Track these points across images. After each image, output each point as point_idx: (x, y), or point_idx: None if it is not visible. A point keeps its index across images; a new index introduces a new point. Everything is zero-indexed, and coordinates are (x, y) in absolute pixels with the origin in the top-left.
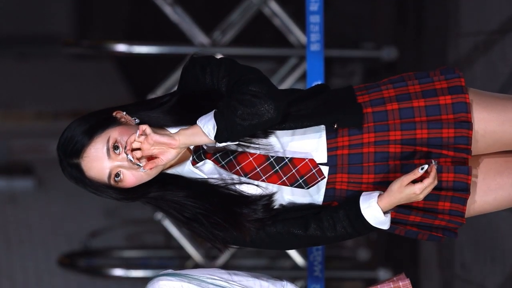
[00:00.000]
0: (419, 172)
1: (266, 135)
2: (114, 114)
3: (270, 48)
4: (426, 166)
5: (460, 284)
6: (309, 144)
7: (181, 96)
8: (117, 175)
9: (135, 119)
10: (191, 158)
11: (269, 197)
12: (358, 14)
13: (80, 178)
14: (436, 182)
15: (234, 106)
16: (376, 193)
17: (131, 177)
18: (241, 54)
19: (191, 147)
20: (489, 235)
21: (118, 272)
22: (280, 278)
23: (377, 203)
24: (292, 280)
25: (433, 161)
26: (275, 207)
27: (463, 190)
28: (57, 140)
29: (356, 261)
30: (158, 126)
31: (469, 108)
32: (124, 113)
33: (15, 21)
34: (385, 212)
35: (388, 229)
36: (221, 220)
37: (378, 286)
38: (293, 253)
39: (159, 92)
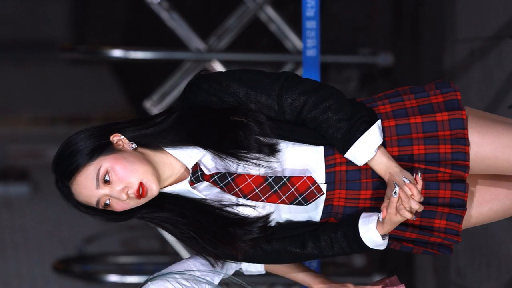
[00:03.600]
0: (394, 197)
1: (272, 153)
2: (111, 138)
3: (266, 54)
4: (397, 189)
5: None
6: (307, 162)
7: (183, 113)
8: (106, 204)
9: (132, 144)
10: (188, 179)
11: (266, 218)
12: (355, 20)
13: (70, 200)
14: (418, 196)
15: (341, 107)
16: (375, 217)
17: (120, 204)
18: (237, 59)
19: (189, 168)
20: (484, 241)
21: (113, 278)
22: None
23: (376, 227)
24: (286, 286)
25: (418, 172)
26: (271, 226)
27: (460, 206)
28: (53, 145)
29: (351, 267)
30: (157, 148)
31: (466, 124)
32: (122, 136)
33: (11, 26)
34: (383, 235)
35: None
36: (213, 239)
37: None
38: None
39: (155, 97)
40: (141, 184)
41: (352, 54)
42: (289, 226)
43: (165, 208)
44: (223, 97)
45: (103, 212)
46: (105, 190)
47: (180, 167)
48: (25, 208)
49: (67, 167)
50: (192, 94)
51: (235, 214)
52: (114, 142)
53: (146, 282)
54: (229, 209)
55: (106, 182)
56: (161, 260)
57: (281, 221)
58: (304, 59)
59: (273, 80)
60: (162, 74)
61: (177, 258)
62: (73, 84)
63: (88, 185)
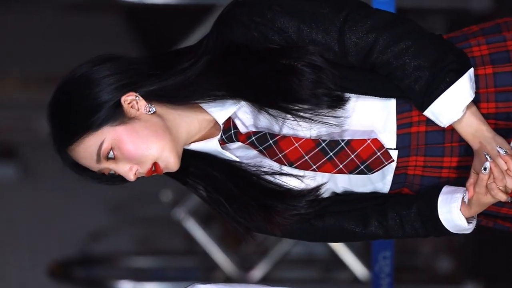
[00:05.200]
0: (483, 173)
1: (338, 105)
2: (123, 99)
3: None
4: (488, 164)
5: None
6: (374, 120)
7: (216, 55)
8: (112, 174)
9: (150, 107)
10: (219, 137)
11: (316, 191)
12: None
13: (67, 163)
14: None
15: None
16: (459, 195)
17: (128, 178)
18: None
19: (220, 124)
20: None
21: (126, 285)
22: None
23: (461, 209)
24: None
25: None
26: (324, 198)
27: None
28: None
29: (435, 273)
30: (185, 104)
31: None
32: (137, 95)
33: None
34: (468, 218)
35: None
36: (244, 209)
37: None
38: (353, 263)
39: None
40: (155, 164)
41: None
42: (348, 198)
43: (191, 165)
44: (268, 34)
45: (109, 177)
46: (107, 165)
47: (209, 120)
48: (13, 195)
49: (62, 133)
50: (227, 29)
51: (277, 184)
52: (127, 102)
53: None
54: (269, 177)
55: (110, 159)
56: (186, 263)
57: (338, 191)
58: (374, 2)
59: (333, 11)
60: (188, 22)
61: (207, 260)
62: (74, 36)
63: (87, 157)
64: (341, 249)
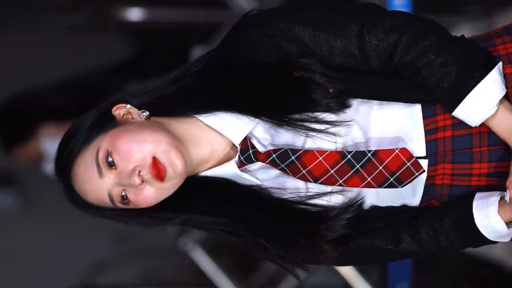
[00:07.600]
0: None
1: (341, 107)
2: (113, 111)
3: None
4: None
5: None
6: (400, 127)
7: (222, 69)
8: (124, 197)
9: (143, 112)
10: (236, 159)
11: (357, 205)
12: None
13: (78, 205)
14: None
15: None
16: (496, 198)
17: (140, 195)
18: None
19: (237, 145)
20: None
21: None
22: None
23: (498, 212)
24: None
25: None
26: (361, 217)
27: None
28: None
29: None
30: (183, 116)
31: None
32: (128, 105)
33: None
34: (508, 222)
35: None
36: (283, 244)
37: None
38: None
39: None
40: (154, 159)
41: (456, 14)
42: (377, 214)
43: (206, 206)
44: (283, 45)
45: (127, 214)
46: (111, 177)
47: (222, 143)
48: (11, 225)
49: (63, 160)
50: (237, 47)
51: (310, 204)
52: (121, 115)
53: None
54: (299, 200)
55: (111, 166)
56: None
57: (365, 207)
58: (389, 7)
59: (349, 16)
60: (196, 40)
61: None
62: (77, 56)
63: (89, 177)
64: (357, 280)
